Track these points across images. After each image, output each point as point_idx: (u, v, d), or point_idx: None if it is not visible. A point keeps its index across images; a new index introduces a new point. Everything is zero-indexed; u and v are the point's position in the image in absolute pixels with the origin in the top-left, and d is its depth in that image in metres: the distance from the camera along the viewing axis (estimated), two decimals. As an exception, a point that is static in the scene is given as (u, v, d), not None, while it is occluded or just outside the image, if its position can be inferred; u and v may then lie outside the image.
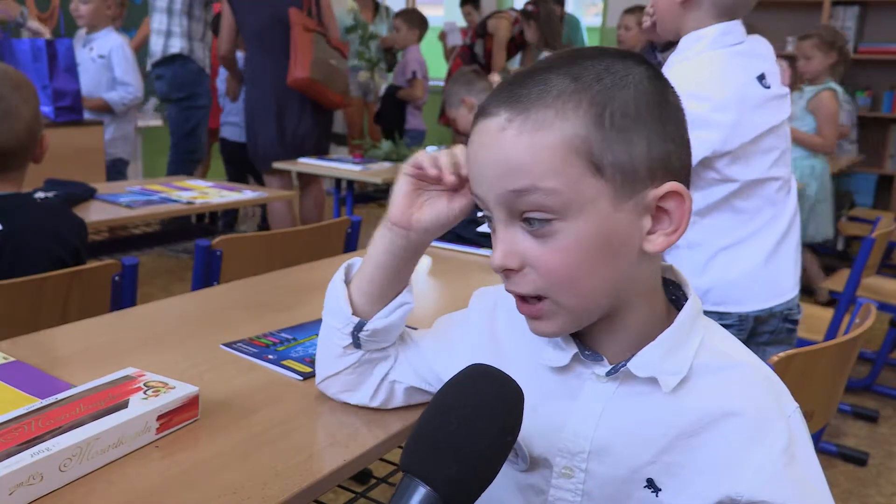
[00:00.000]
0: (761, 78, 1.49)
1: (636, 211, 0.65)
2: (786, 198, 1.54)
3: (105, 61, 3.52)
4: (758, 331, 1.57)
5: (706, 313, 1.41)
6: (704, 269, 1.48)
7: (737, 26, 1.49)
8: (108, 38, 3.54)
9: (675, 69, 1.46)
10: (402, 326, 0.88)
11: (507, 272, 0.67)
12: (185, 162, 3.92)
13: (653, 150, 0.64)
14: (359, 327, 0.84)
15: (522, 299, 0.68)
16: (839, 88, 3.67)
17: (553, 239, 0.64)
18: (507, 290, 0.69)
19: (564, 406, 0.71)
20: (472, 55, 5.27)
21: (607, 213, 0.63)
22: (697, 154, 1.35)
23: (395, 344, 0.89)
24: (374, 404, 0.90)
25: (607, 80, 0.63)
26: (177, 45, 3.81)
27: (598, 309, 0.68)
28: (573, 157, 0.62)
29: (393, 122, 4.91)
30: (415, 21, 4.89)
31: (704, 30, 1.47)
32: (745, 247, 1.50)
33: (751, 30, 1.56)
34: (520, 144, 0.63)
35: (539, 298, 0.67)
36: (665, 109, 0.66)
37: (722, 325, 1.50)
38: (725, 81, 1.44)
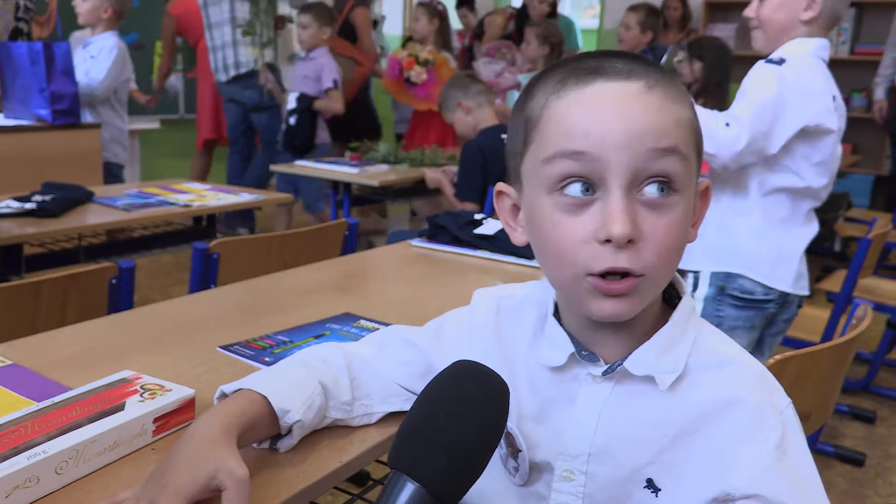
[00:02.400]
0: (833, 98, 1.67)
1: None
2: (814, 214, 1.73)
3: (95, 60, 3.51)
4: (776, 319, 1.74)
5: (751, 283, 1.59)
6: (763, 234, 1.65)
7: (828, 46, 1.67)
8: (105, 40, 3.53)
9: (789, 63, 1.60)
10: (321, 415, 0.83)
11: (627, 244, 0.62)
12: (268, 171, 3.97)
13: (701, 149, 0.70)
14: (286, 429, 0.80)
15: (603, 277, 0.63)
16: None
17: (670, 212, 0.64)
18: (609, 268, 0.63)
19: (564, 410, 0.72)
20: (470, 56, 5.27)
21: (692, 196, 0.67)
22: (802, 121, 1.58)
23: (349, 400, 0.85)
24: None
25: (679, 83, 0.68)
26: (268, 55, 4.03)
27: (659, 294, 0.69)
28: (694, 134, 0.66)
29: (304, 137, 4.08)
30: (325, 18, 4.05)
31: (811, 40, 1.65)
32: (792, 237, 1.68)
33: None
34: (665, 109, 0.64)
35: (634, 275, 0.63)
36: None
37: (761, 299, 1.65)
38: (823, 80, 1.64)
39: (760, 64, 1.62)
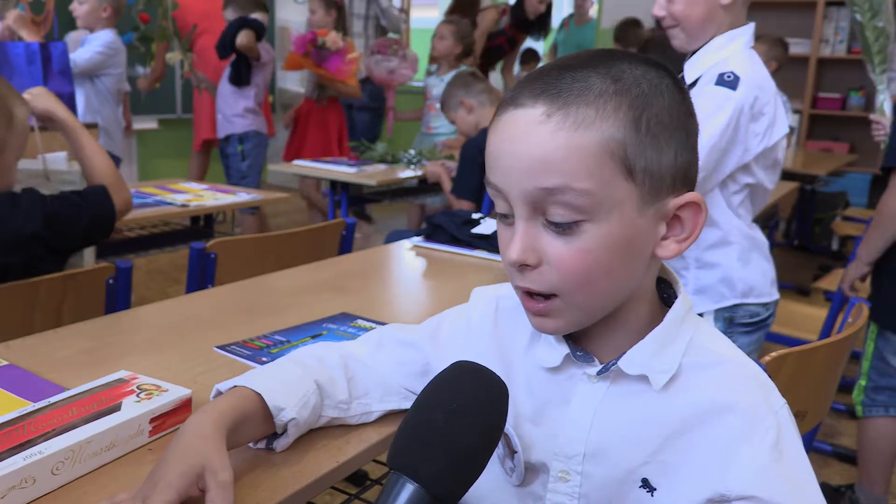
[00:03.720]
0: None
1: (656, 217, 0.66)
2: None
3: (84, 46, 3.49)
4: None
5: (754, 307, 1.54)
6: (747, 262, 1.58)
7: (754, 29, 1.56)
8: (103, 34, 3.50)
9: (742, 82, 1.46)
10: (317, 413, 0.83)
11: (522, 268, 0.66)
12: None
13: (678, 158, 0.66)
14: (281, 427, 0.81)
15: (529, 296, 0.67)
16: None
17: (578, 239, 0.63)
18: (517, 286, 0.67)
19: (560, 411, 0.72)
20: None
21: (632, 217, 0.64)
22: (760, 146, 1.49)
23: (348, 399, 0.86)
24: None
25: (644, 85, 0.64)
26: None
27: (605, 310, 0.68)
28: (608, 158, 0.62)
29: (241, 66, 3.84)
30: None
31: (740, 29, 1.53)
32: (759, 243, 1.62)
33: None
34: (557, 141, 0.62)
35: (549, 296, 0.66)
36: (690, 121, 0.68)
37: (765, 317, 1.61)
38: (769, 82, 1.53)
39: (712, 86, 1.47)
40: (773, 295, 1.63)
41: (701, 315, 1.59)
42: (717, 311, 1.59)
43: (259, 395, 0.77)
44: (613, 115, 0.62)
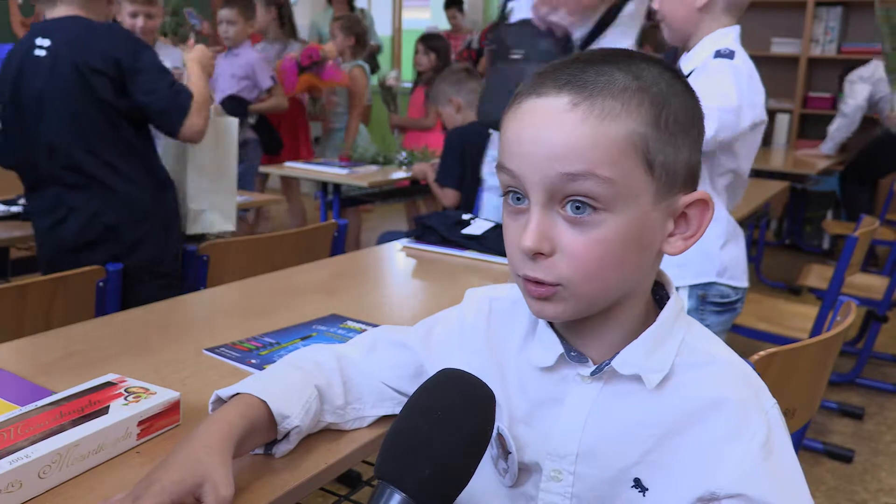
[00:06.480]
0: None
1: (666, 213, 0.67)
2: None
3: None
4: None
5: (725, 288, 1.57)
6: (724, 245, 1.65)
7: (739, 32, 1.67)
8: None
9: (738, 55, 1.58)
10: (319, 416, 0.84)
11: (535, 256, 0.65)
12: None
13: (691, 158, 0.67)
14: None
15: (535, 281, 0.67)
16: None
17: (594, 229, 0.63)
18: (524, 275, 0.67)
19: (553, 411, 0.72)
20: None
21: (646, 211, 0.65)
22: (753, 116, 1.57)
23: (343, 403, 0.86)
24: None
25: (662, 85, 0.65)
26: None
27: (607, 301, 0.68)
28: (632, 151, 0.63)
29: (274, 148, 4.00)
30: (250, 11, 3.81)
31: (727, 29, 1.63)
32: (738, 231, 1.69)
33: None
34: (584, 129, 0.62)
35: (554, 283, 0.66)
36: (700, 123, 0.69)
37: (734, 300, 1.65)
38: (757, 78, 1.63)
39: (711, 59, 1.60)
40: (744, 282, 1.69)
41: (676, 289, 1.63)
42: (692, 287, 1.65)
43: (264, 402, 0.76)
44: (637, 110, 0.63)
